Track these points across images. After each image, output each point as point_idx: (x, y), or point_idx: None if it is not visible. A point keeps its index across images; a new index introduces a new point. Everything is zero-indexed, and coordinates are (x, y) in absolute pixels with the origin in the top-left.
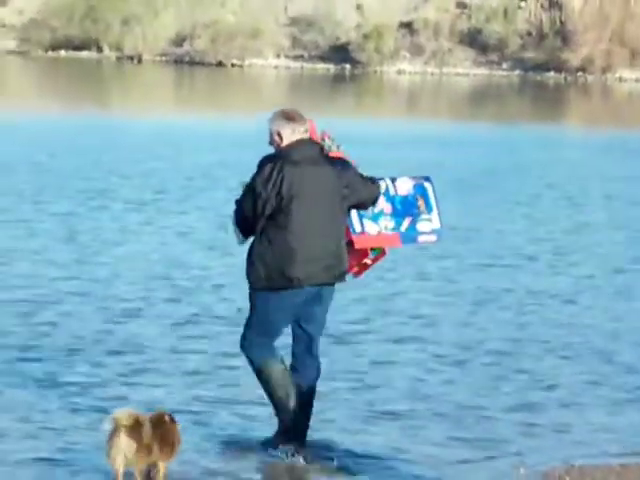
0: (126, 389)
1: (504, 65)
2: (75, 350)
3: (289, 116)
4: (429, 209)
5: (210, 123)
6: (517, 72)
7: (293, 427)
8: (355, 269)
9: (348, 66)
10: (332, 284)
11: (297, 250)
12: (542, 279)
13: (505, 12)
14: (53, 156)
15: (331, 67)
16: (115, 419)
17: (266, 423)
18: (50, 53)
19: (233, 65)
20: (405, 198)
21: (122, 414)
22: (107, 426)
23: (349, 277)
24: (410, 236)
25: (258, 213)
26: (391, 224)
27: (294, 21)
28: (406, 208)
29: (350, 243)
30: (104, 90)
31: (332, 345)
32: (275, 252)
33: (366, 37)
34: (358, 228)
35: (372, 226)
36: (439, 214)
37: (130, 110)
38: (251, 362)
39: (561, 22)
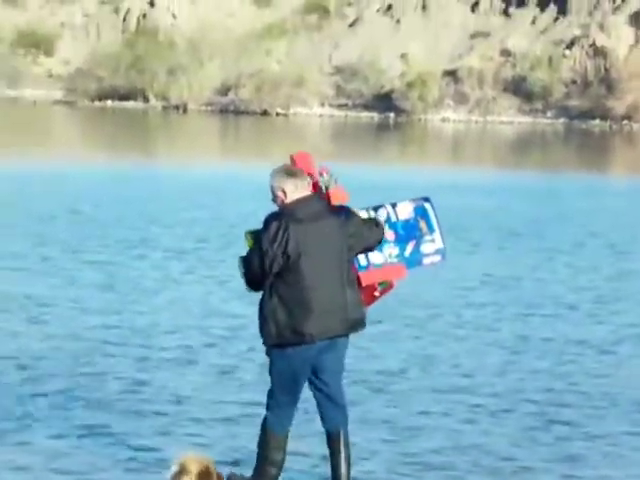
0: (163, 439)
1: (548, 113)
2: (113, 400)
3: (291, 172)
4: (431, 230)
5: (253, 172)
6: (562, 120)
7: (332, 475)
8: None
9: (392, 114)
10: (346, 335)
11: (308, 306)
12: (582, 328)
13: (550, 60)
14: (97, 206)
15: (375, 115)
16: (184, 464)
17: (308, 474)
18: (97, 103)
19: (278, 114)
20: (407, 222)
21: (192, 459)
22: (174, 469)
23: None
24: (415, 260)
25: (266, 271)
26: (395, 251)
27: (338, 70)
28: (408, 232)
29: (357, 279)
30: (150, 139)
31: (368, 394)
32: (286, 309)
33: (410, 85)
34: (363, 262)
35: (377, 256)
36: (441, 233)
37: (175, 159)
38: (264, 421)
39: (606, 70)
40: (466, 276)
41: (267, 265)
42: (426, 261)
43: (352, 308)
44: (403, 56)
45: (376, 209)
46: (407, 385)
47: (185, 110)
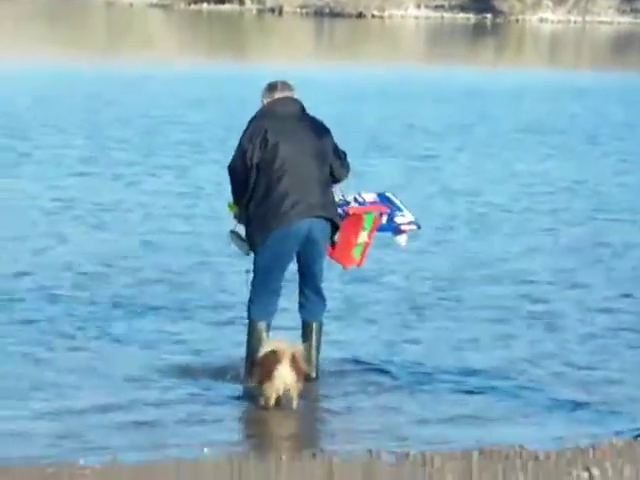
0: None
1: None
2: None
3: (271, 86)
4: (399, 209)
5: (347, 74)
6: None
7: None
8: (356, 259)
9: (489, 15)
10: (320, 219)
11: (285, 192)
12: None
13: None
14: (189, 107)
15: (471, 17)
16: (278, 350)
17: None
18: (192, 6)
19: (373, 16)
20: (374, 203)
21: (284, 346)
22: (265, 355)
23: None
24: (392, 227)
25: (247, 166)
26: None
27: None
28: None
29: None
30: (244, 42)
31: None
32: (268, 199)
33: None
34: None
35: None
36: (409, 211)
37: (269, 62)
38: (249, 316)
39: None
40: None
41: (248, 160)
42: (404, 228)
43: (323, 198)
44: None
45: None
46: None
47: (280, 12)
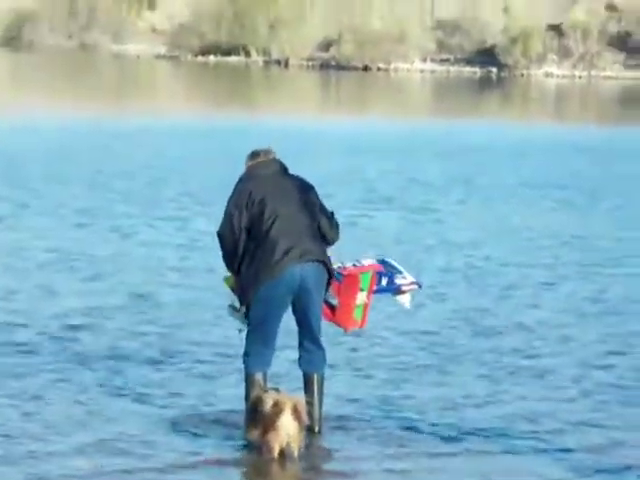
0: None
1: None
2: None
3: (254, 153)
4: (399, 271)
5: (353, 126)
6: None
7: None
8: (357, 321)
9: (494, 69)
10: (312, 264)
11: (275, 244)
12: None
13: None
14: (191, 161)
15: (477, 70)
16: (280, 402)
17: None
18: (199, 58)
19: (379, 69)
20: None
21: (285, 398)
22: (267, 407)
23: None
24: (393, 289)
25: (236, 231)
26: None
27: (440, 24)
28: (379, 273)
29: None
30: (251, 94)
31: None
32: (258, 252)
33: (513, 40)
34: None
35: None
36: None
37: (276, 113)
38: (245, 368)
39: None
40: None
41: (236, 223)
42: (405, 288)
43: (313, 244)
44: (506, 10)
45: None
46: None
47: (286, 65)
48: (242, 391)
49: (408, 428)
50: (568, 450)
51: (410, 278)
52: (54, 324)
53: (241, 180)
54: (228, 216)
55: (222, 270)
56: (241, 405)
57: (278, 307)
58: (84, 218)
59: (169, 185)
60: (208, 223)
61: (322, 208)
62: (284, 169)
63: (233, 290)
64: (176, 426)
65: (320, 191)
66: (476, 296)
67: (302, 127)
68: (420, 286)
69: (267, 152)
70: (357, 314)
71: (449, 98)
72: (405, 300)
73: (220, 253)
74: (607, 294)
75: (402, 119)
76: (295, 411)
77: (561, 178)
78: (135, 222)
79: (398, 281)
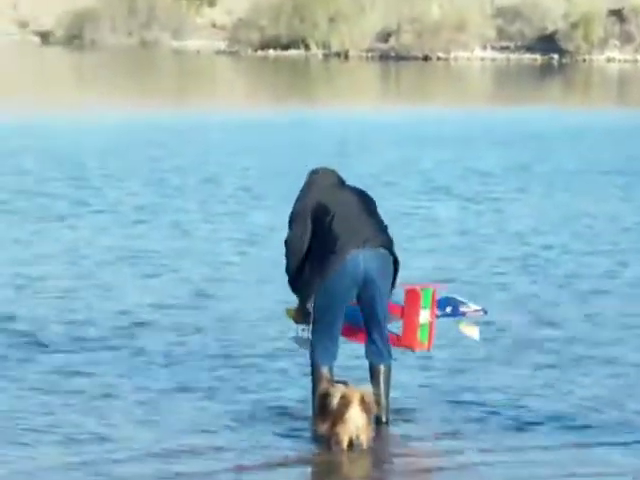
0: None
1: None
2: None
3: (314, 169)
4: (463, 302)
5: (416, 117)
6: None
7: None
8: (424, 344)
9: (556, 56)
10: (377, 252)
11: (340, 234)
12: None
13: None
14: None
15: (538, 57)
16: (348, 394)
17: None
18: (259, 52)
19: (439, 58)
20: (438, 301)
21: (353, 390)
22: (335, 400)
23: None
24: (457, 314)
25: (301, 236)
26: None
27: (500, 12)
28: (443, 304)
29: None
30: (312, 87)
31: None
32: (321, 248)
33: (574, 26)
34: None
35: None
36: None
37: (337, 106)
38: (312, 362)
39: None
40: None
41: (300, 228)
42: (469, 315)
43: (381, 233)
44: None
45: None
46: None
47: (346, 57)
48: (309, 385)
49: (475, 420)
50: (637, 441)
51: (474, 307)
52: (117, 321)
53: (303, 190)
54: (293, 223)
55: (283, 278)
56: (308, 398)
57: (343, 299)
58: (143, 215)
59: (227, 180)
60: (266, 217)
61: (382, 221)
62: (342, 181)
63: (296, 321)
64: (243, 422)
65: (379, 181)
66: (537, 284)
67: (362, 118)
68: (486, 312)
69: (325, 169)
70: (422, 335)
71: (510, 86)
72: (473, 332)
73: (284, 262)
74: None
75: (462, 108)
76: (363, 403)
77: (623, 164)
78: (194, 217)
79: (462, 309)
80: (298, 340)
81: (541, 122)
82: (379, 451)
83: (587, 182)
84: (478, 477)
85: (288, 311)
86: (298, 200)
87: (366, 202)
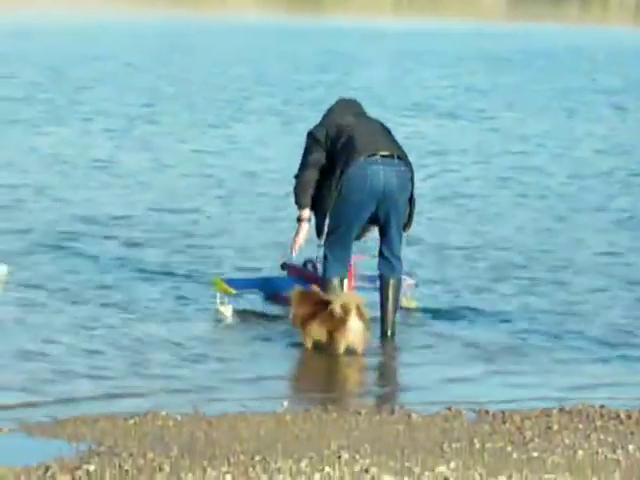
0: None
1: None
2: None
3: (338, 99)
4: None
5: (417, 29)
6: None
7: (380, 320)
8: None
9: None
10: (397, 168)
11: (359, 141)
12: None
13: None
14: None
15: None
16: (347, 303)
17: None
18: None
19: None
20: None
21: (350, 298)
22: (336, 308)
23: None
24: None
25: (320, 151)
26: None
27: None
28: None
29: None
30: None
31: None
32: (339, 162)
33: None
34: None
35: None
36: None
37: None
38: (323, 273)
39: None
40: None
41: (322, 143)
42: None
43: (400, 146)
44: None
45: None
46: None
47: None
48: None
49: (499, 327)
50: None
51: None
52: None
53: (322, 119)
54: (307, 151)
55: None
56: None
57: (359, 211)
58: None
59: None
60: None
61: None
62: (363, 111)
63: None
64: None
65: (371, 94)
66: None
67: (370, 28)
68: (417, 285)
69: (350, 99)
70: None
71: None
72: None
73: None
74: None
75: (473, 22)
76: (358, 310)
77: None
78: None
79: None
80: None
81: (553, 40)
82: (381, 364)
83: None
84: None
85: (217, 282)
86: (316, 127)
87: (385, 127)
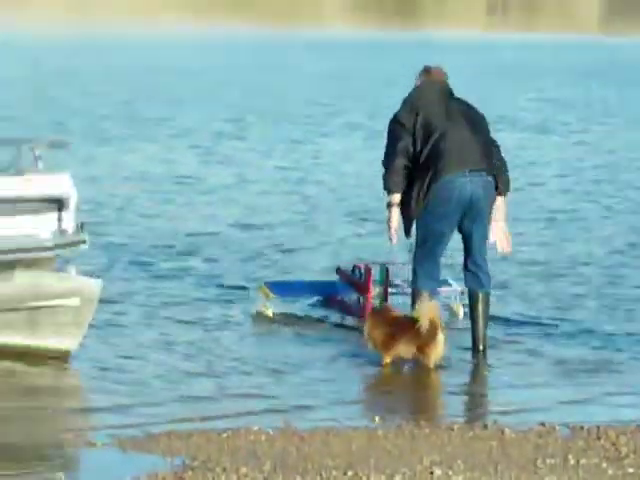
0: None
1: None
2: None
3: (426, 69)
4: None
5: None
6: None
7: (472, 335)
8: None
9: None
10: (481, 175)
11: (446, 157)
12: None
13: None
14: None
15: None
16: (433, 320)
17: None
18: None
19: None
20: None
21: (434, 312)
22: (425, 325)
23: None
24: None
25: (406, 137)
26: None
27: None
28: None
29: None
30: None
31: None
32: (425, 173)
33: None
34: None
35: None
36: None
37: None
38: (412, 289)
39: None
40: None
41: (402, 143)
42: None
43: (486, 156)
44: None
45: None
46: None
47: None
48: None
49: (578, 340)
50: None
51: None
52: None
53: (407, 101)
54: (394, 136)
55: None
56: None
57: (447, 223)
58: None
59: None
60: None
61: (492, 138)
62: (451, 92)
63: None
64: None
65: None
66: None
67: (463, 41)
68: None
69: (438, 69)
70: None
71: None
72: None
73: (383, 175)
74: None
75: (569, 35)
76: (442, 326)
77: None
78: None
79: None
80: (260, 315)
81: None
82: (475, 380)
83: None
84: None
85: (261, 288)
86: (402, 112)
87: (475, 119)
